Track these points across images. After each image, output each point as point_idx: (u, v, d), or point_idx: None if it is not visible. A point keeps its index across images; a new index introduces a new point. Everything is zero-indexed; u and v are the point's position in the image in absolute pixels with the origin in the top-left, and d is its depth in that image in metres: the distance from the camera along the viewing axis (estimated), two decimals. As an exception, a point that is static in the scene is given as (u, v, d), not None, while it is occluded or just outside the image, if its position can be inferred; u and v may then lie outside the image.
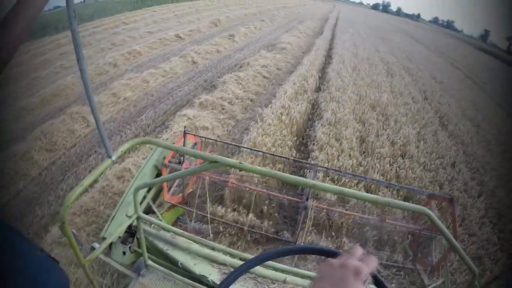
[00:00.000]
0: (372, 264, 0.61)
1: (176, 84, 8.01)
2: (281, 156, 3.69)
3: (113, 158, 1.23)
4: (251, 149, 3.69)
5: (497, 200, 5.26)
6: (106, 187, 3.88)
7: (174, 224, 3.02)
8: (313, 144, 5.19)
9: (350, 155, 5.02)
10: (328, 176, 4.04)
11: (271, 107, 6.15)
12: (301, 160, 3.92)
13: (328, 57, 11.80)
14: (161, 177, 2.44)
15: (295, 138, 5.48)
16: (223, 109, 6.49)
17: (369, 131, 6.10)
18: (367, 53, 13.65)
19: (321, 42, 14.37)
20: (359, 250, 0.65)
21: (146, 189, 2.65)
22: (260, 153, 3.57)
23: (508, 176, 6.22)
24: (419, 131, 6.73)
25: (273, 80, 8.83)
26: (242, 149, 3.62)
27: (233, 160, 1.12)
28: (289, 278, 1.81)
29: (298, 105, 6.44)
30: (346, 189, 1.07)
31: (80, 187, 1.14)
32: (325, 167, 3.69)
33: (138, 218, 1.64)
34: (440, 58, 19.62)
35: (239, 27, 15.74)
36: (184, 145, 2.92)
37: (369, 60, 12.01)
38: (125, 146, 1.28)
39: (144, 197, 2.62)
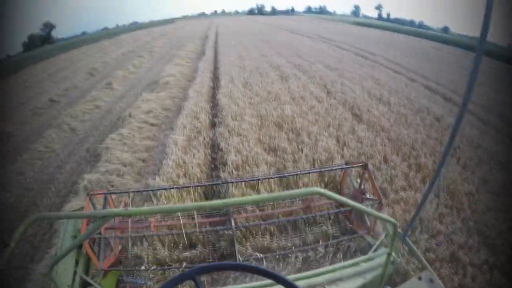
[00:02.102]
0: None
1: (56, 165, 6.53)
2: (189, 186, 3.76)
3: (12, 244, 1.20)
4: (162, 189, 3.67)
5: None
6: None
7: (117, 287, 2.81)
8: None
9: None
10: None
11: (161, 172, 4.97)
12: (209, 184, 3.93)
13: (216, 79, 10.68)
14: (67, 246, 2.29)
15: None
16: (112, 186, 5.30)
17: (284, 159, 5.09)
18: (255, 62, 12.94)
19: (205, 64, 13.40)
20: None
21: (73, 266, 2.41)
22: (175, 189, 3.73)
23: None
24: (337, 135, 5.86)
25: (162, 125, 7.66)
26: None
27: (119, 209, 1.40)
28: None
29: (194, 155, 5.38)
30: (252, 197, 1.22)
31: None
32: (237, 180, 3.69)
33: None
34: (325, 43, 20.16)
35: (117, 71, 14.31)
36: (94, 208, 2.81)
37: (258, 70, 11.19)
38: (20, 228, 1.21)
39: (75, 273, 2.39)
